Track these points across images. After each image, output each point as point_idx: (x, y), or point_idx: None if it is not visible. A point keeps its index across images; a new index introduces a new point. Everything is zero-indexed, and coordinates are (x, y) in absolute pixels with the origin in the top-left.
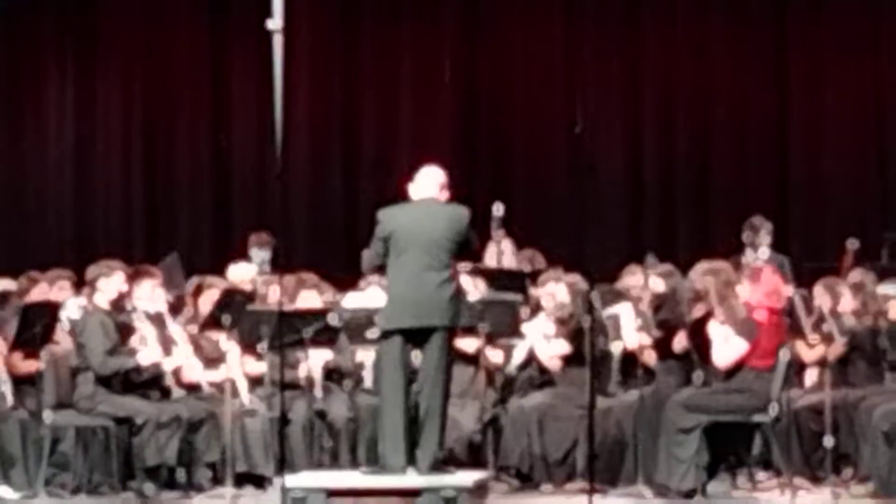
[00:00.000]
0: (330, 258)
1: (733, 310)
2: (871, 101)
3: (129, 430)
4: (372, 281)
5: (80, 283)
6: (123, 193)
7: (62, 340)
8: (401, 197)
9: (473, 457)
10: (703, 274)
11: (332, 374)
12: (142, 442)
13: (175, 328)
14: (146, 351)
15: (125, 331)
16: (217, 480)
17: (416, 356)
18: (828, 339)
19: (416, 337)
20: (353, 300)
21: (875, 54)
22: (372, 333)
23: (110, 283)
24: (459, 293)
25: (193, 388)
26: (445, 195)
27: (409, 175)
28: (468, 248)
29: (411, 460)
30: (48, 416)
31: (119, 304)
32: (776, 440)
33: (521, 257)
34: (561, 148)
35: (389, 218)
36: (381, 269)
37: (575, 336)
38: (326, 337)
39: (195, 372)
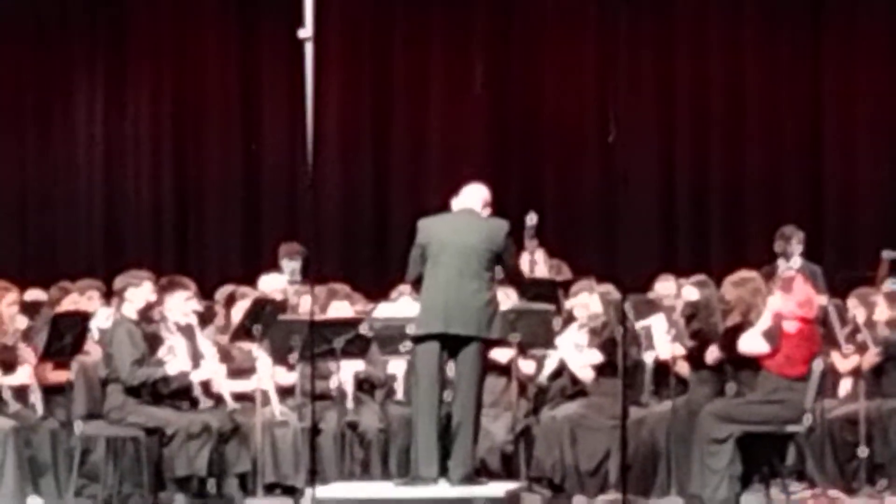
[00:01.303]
0: (361, 268)
1: (760, 320)
2: None
3: (160, 441)
4: (403, 291)
5: (110, 294)
6: (153, 203)
7: (92, 351)
8: (439, 207)
9: (505, 467)
10: (731, 284)
11: (364, 385)
12: (172, 453)
13: (204, 340)
14: (174, 361)
15: (154, 341)
16: (247, 492)
17: (451, 368)
18: (862, 348)
19: (450, 345)
20: (385, 310)
21: None
22: (404, 345)
23: (138, 293)
24: (494, 304)
25: (223, 400)
26: (488, 212)
27: (445, 187)
28: (504, 261)
29: (443, 471)
30: (78, 426)
31: (147, 315)
32: (810, 451)
33: (549, 266)
34: (593, 157)
35: (427, 227)
36: (419, 280)
37: (607, 346)
38: (358, 347)
39: (224, 383)
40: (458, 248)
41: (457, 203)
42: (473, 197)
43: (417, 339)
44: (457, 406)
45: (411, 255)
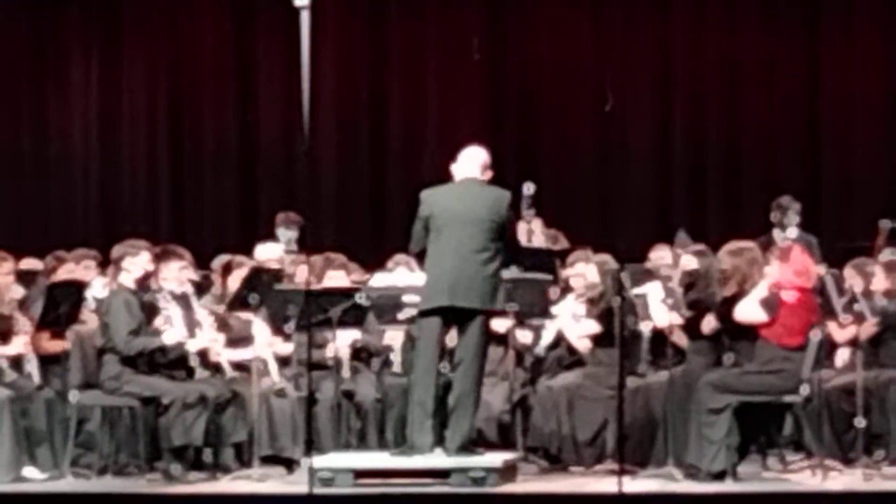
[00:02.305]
0: (357, 237)
1: (756, 288)
2: None
3: (156, 411)
4: (399, 261)
5: (106, 263)
6: (149, 172)
7: (88, 320)
8: (436, 176)
9: (502, 437)
10: (728, 254)
11: (360, 354)
12: (168, 422)
13: (201, 309)
14: (171, 331)
15: (151, 311)
16: (244, 461)
17: (451, 338)
18: (859, 319)
19: (453, 317)
20: (381, 280)
21: None
22: (402, 314)
23: (136, 262)
24: (499, 275)
25: (219, 369)
26: (488, 175)
27: (441, 156)
28: (511, 233)
29: (439, 441)
30: (74, 395)
31: (145, 284)
32: (807, 421)
33: (546, 236)
34: (590, 126)
35: (430, 199)
36: (423, 251)
37: (604, 316)
38: (354, 317)
39: (221, 352)
40: (463, 219)
41: (457, 169)
42: (473, 161)
43: (422, 313)
44: (458, 378)
45: (414, 227)
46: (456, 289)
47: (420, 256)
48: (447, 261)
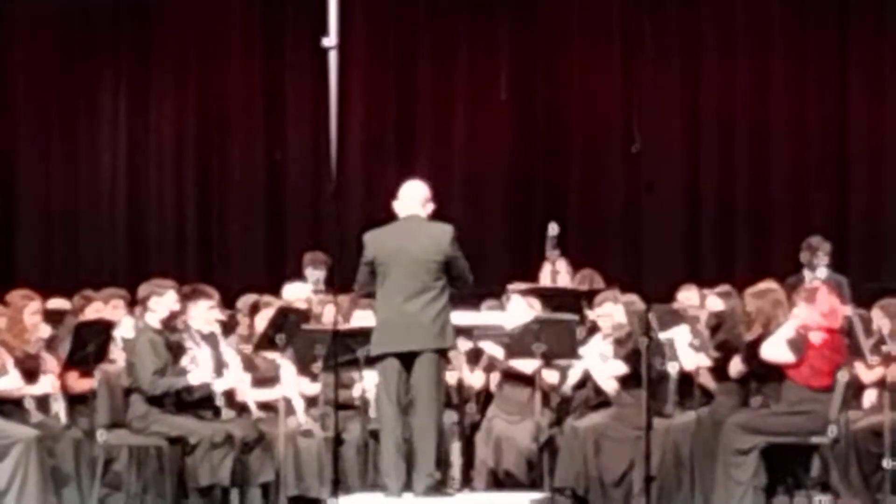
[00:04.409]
0: None
1: (782, 327)
2: None
3: (183, 450)
4: None
5: (134, 302)
6: (177, 211)
7: (117, 359)
8: (463, 215)
9: (530, 477)
10: (752, 296)
11: None
12: (195, 462)
13: (227, 349)
14: (197, 371)
15: (177, 350)
16: (270, 502)
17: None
18: (887, 359)
19: (407, 360)
20: None
21: None
22: None
23: (162, 302)
24: (446, 313)
25: (246, 409)
26: (430, 208)
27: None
28: (452, 268)
29: (410, 484)
30: (101, 435)
31: (171, 324)
32: (835, 462)
33: (581, 277)
34: (618, 167)
35: (373, 241)
36: (371, 294)
37: (631, 357)
38: None
39: (248, 392)
40: (405, 261)
41: (398, 206)
42: (413, 197)
43: (377, 358)
44: (417, 418)
45: (359, 270)
46: (405, 332)
47: (370, 296)
48: (393, 306)
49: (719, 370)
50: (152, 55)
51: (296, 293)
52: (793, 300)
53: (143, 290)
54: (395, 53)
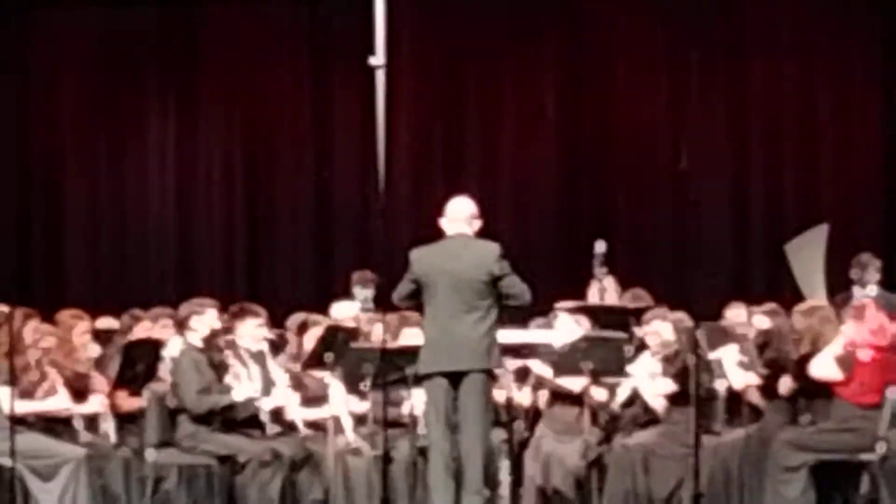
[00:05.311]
0: None
1: (831, 345)
2: None
3: (232, 469)
4: None
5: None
6: (225, 230)
7: (166, 378)
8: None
9: (579, 495)
10: (800, 314)
11: None
12: (245, 481)
13: (276, 367)
14: (240, 388)
15: (221, 368)
16: None
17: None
18: None
19: (454, 380)
20: None
21: None
22: None
23: (203, 320)
24: (492, 333)
25: (294, 428)
26: (476, 226)
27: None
28: (503, 286)
29: (458, 502)
30: (151, 454)
31: (213, 342)
32: (884, 480)
33: (631, 296)
34: (665, 185)
35: (419, 260)
36: (419, 307)
37: (680, 374)
38: None
39: (296, 411)
40: (450, 280)
41: (445, 224)
42: (460, 214)
43: (425, 377)
44: (465, 437)
45: (401, 282)
46: (450, 352)
47: (411, 309)
48: (440, 323)
49: (768, 388)
50: (199, 74)
51: (344, 312)
52: (841, 317)
53: (183, 309)
54: (442, 71)
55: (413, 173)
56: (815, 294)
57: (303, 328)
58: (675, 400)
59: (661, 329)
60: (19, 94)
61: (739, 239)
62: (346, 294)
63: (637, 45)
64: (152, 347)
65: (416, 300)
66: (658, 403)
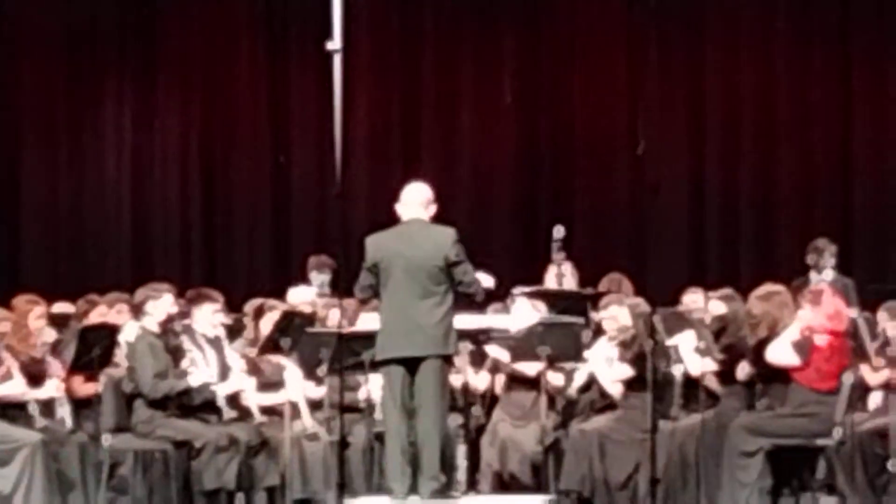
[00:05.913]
0: None
1: (787, 330)
2: None
3: (188, 454)
4: None
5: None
6: (181, 215)
7: (122, 363)
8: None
9: (535, 480)
10: (757, 299)
11: None
12: (200, 466)
13: (232, 353)
14: (197, 373)
15: (177, 353)
16: None
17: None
18: (892, 362)
19: (411, 365)
20: None
21: None
22: None
23: (158, 305)
24: (448, 319)
25: (250, 413)
26: (432, 210)
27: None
28: (458, 274)
29: (414, 488)
30: (107, 439)
31: (169, 327)
32: (840, 464)
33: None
34: (623, 169)
35: (374, 246)
36: (376, 296)
37: (637, 360)
38: None
39: (253, 396)
40: (406, 265)
41: (401, 209)
42: (415, 200)
43: (382, 362)
44: (422, 423)
45: (360, 275)
46: (407, 338)
47: (364, 302)
48: (396, 311)
49: (724, 373)
50: (157, 59)
51: (301, 297)
52: (798, 302)
53: (139, 294)
54: (400, 56)
55: (370, 159)
56: None
57: (259, 313)
58: (631, 385)
59: (618, 314)
60: None
61: (696, 224)
62: (303, 279)
63: (595, 31)
64: (108, 332)
65: (374, 290)
66: (615, 389)
